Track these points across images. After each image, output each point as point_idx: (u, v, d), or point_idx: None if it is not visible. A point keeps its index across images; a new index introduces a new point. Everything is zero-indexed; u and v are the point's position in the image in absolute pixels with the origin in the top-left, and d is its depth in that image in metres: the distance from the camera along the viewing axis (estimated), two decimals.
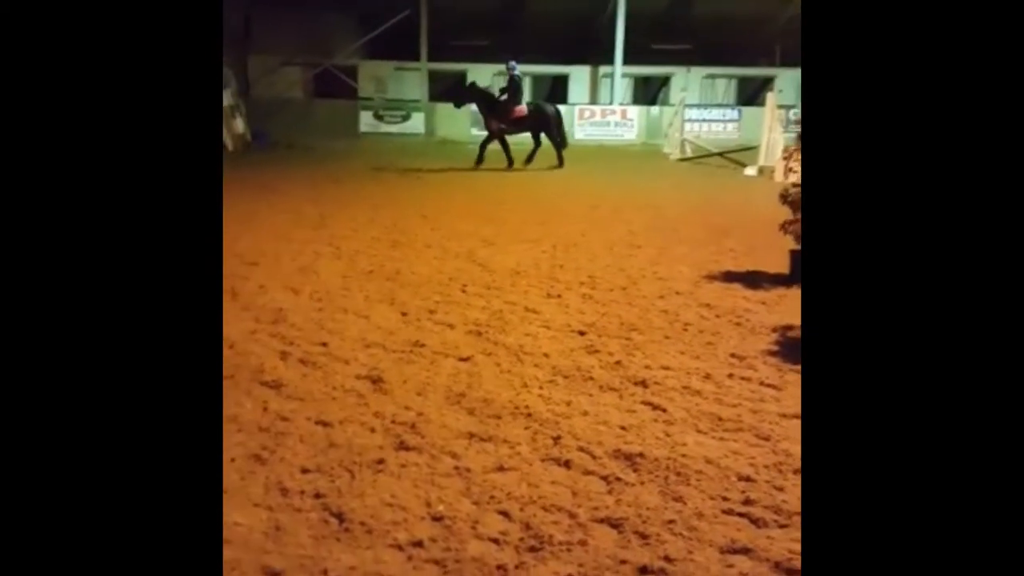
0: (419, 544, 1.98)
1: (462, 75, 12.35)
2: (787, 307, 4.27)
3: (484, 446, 2.55)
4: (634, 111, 18.92)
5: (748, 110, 18.67)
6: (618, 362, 3.39)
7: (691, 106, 17.49)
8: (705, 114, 18.76)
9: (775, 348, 3.59)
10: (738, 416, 2.80)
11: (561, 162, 12.29)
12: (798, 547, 1.94)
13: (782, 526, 2.08)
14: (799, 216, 4.57)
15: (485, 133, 12.56)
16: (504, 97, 12.02)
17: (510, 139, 12.32)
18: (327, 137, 16.79)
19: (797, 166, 5.33)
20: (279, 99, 18.20)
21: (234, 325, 3.82)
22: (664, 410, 2.86)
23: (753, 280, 4.92)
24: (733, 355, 3.49)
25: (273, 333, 3.73)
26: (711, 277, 5.07)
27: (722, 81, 20.10)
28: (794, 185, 4.90)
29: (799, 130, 10.67)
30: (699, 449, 2.53)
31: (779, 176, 9.28)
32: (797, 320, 3.83)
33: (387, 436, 2.61)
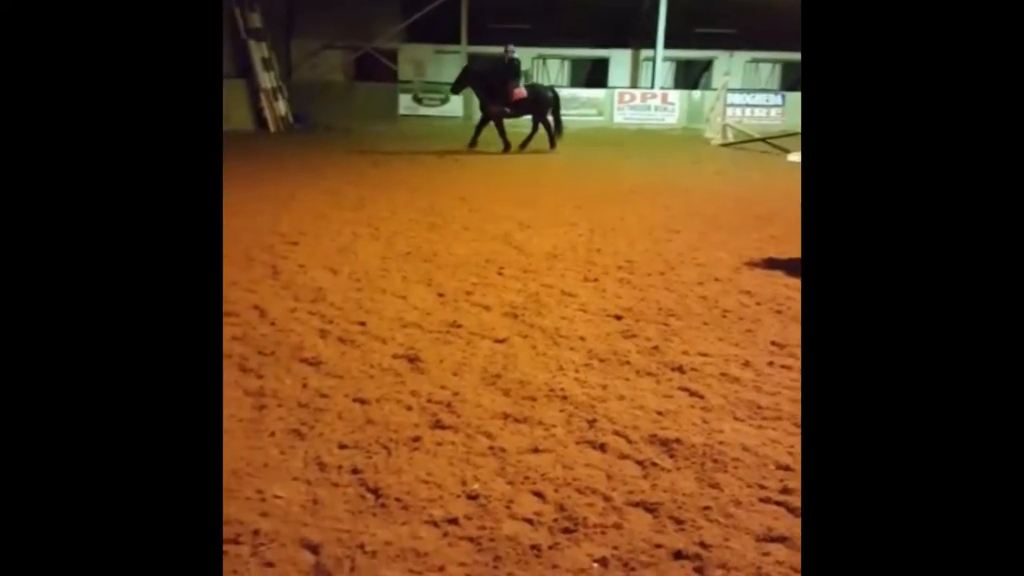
0: (454, 521, 2.00)
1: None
2: None
3: (519, 427, 2.55)
4: (675, 95, 18.63)
5: (792, 95, 18.24)
6: (655, 347, 3.36)
7: (734, 91, 17.15)
8: (748, 99, 18.37)
9: None
10: (777, 404, 2.76)
11: (553, 145, 12.15)
12: None
13: None
14: None
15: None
16: (506, 80, 11.77)
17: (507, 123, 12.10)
18: (367, 120, 16.92)
19: None
20: (320, 82, 18.33)
21: (275, 303, 3.88)
22: (701, 396, 2.83)
23: (795, 268, 4.82)
24: (773, 343, 3.43)
25: (313, 311, 3.78)
26: (752, 264, 4.98)
27: (766, 66, 19.66)
28: None
29: None
30: (736, 436, 2.50)
31: None
32: None
33: (423, 415, 2.63)
